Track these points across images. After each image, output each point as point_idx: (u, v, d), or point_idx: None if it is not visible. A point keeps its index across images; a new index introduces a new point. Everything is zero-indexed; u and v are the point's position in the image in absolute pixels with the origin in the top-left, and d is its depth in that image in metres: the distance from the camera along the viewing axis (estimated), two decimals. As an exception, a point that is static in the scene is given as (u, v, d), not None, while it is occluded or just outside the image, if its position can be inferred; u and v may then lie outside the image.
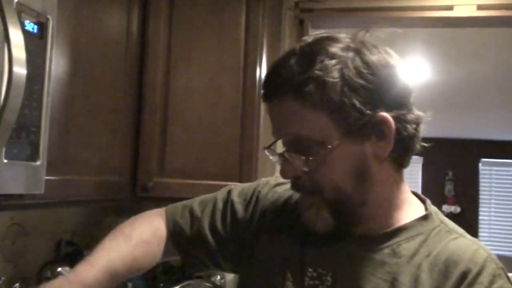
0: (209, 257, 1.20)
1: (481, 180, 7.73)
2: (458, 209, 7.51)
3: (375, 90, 0.92)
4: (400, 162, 1.00)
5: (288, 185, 1.17)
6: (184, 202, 1.25)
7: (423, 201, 1.06)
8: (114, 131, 1.79)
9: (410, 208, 1.02)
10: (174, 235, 1.19)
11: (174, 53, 2.02)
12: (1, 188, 1.04)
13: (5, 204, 1.19)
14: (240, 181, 1.94)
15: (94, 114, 1.63)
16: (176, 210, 1.23)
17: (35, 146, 1.13)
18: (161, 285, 2.16)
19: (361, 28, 0.98)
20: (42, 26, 1.11)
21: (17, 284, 1.50)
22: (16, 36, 0.94)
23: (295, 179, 0.98)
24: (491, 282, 0.90)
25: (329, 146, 0.92)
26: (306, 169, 0.95)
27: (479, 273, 0.90)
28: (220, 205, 1.20)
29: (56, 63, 1.26)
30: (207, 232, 1.18)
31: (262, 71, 2.00)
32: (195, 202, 1.24)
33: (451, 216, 7.08)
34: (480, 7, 2.28)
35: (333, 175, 0.95)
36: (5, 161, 1.03)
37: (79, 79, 1.52)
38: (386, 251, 0.96)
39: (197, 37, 2.01)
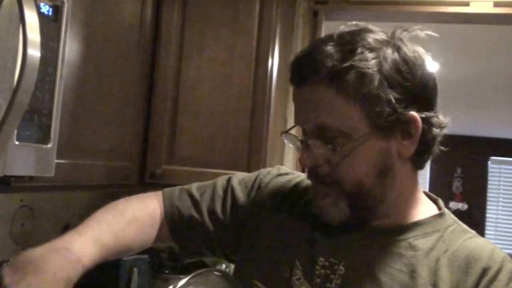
0: (205, 242, 1.17)
1: (489, 178, 7.71)
2: (466, 206, 7.49)
3: (410, 88, 0.92)
4: (418, 163, 1.01)
5: (290, 176, 1.17)
6: (181, 186, 1.22)
7: (434, 201, 1.07)
8: (125, 117, 1.79)
9: (425, 207, 1.03)
10: (171, 217, 1.16)
11: (186, 41, 2.02)
12: (12, 169, 1.04)
13: (15, 186, 1.19)
14: (248, 171, 1.93)
15: (105, 99, 1.64)
16: (174, 193, 1.20)
17: (46, 129, 1.14)
18: (166, 271, 2.18)
19: (399, 26, 0.97)
20: (57, 9, 1.12)
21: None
22: (32, 18, 0.94)
23: (315, 168, 0.97)
24: (510, 279, 0.92)
25: (356, 140, 0.92)
26: (329, 159, 0.94)
27: (498, 271, 0.92)
28: (219, 191, 1.18)
29: (69, 47, 1.26)
30: (206, 216, 1.15)
31: (274, 62, 2.00)
32: (192, 187, 1.21)
33: (458, 213, 7.13)
34: (497, 4, 2.26)
35: (356, 168, 0.94)
36: (17, 142, 1.03)
37: (92, 64, 1.52)
38: (403, 244, 0.96)
39: (210, 26, 2.01)
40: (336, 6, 2.38)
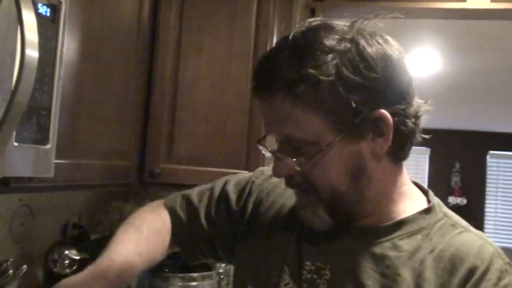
0: (207, 247, 1.18)
1: (488, 172, 7.72)
2: (464, 201, 7.50)
3: (372, 87, 0.87)
4: (398, 156, 0.96)
5: None
6: (184, 192, 1.23)
7: (425, 193, 1.02)
8: (123, 116, 1.79)
9: (411, 201, 0.99)
10: (174, 226, 1.18)
11: (184, 40, 2.02)
12: (11, 170, 1.04)
13: (14, 186, 1.19)
14: (247, 169, 1.95)
15: (104, 99, 1.64)
16: (176, 200, 1.21)
17: (45, 130, 1.14)
18: (166, 270, 2.18)
19: (360, 17, 0.92)
20: (54, 10, 1.11)
21: (24, 266, 1.51)
22: (29, 19, 0.93)
23: (289, 177, 0.95)
24: (499, 278, 0.88)
25: (324, 147, 0.88)
26: (299, 169, 0.91)
27: (486, 270, 0.88)
28: (216, 194, 1.18)
29: (67, 47, 1.25)
30: (203, 221, 1.16)
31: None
32: (194, 192, 1.22)
33: (457, 207, 7.14)
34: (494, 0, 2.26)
35: (327, 176, 0.91)
36: (16, 144, 1.03)
37: (90, 64, 1.52)
38: (387, 244, 0.93)
39: (208, 24, 2.01)
40: (333, 3, 2.38)
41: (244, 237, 1.11)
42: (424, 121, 0.96)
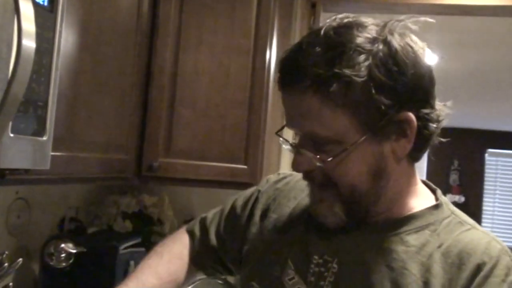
0: (217, 263, 1.23)
1: (486, 170, 7.73)
2: (462, 199, 7.52)
3: (401, 90, 0.87)
4: (415, 157, 0.98)
5: (288, 179, 1.17)
6: (202, 215, 1.28)
7: (433, 191, 1.04)
8: (121, 109, 1.78)
9: (420, 199, 1.00)
10: (190, 246, 1.24)
11: (184, 33, 2.00)
12: (6, 162, 1.03)
13: (10, 178, 1.18)
14: (246, 164, 1.94)
15: (102, 92, 1.62)
16: (195, 223, 1.27)
17: (42, 121, 1.12)
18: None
19: (391, 18, 0.93)
20: None
21: (20, 259, 1.50)
22: (26, 8, 0.92)
23: (308, 172, 0.95)
24: (507, 274, 0.89)
25: (348, 147, 0.89)
26: (320, 165, 0.91)
27: (494, 266, 0.89)
28: (226, 212, 1.22)
29: (65, 38, 1.24)
30: (213, 237, 1.21)
31: (272, 54, 1.99)
32: (210, 213, 1.27)
33: (455, 205, 7.14)
34: (495, -4, 2.25)
35: (349, 174, 0.91)
36: (12, 135, 1.02)
37: (88, 56, 1.51)
38: (394, 238, 0.94)
39: (207, 18, 1.99)
40: (335, -3, 2.37)
41: (250, 241, 1.12)
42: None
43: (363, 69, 0.85)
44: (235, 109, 1.97)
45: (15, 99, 0.92)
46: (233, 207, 1.21)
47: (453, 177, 7.67)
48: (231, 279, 1.27)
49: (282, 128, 1.01)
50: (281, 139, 1.00)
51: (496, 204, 7.78)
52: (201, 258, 1.23)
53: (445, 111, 0.96)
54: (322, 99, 0.87)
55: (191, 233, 1.25)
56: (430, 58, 0.93)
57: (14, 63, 0.90)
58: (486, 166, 7.74)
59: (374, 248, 0.95)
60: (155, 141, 1.99)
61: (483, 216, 7.69)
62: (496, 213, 7.76)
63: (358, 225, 0.97)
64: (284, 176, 1.19)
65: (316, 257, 0.98)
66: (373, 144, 0.90)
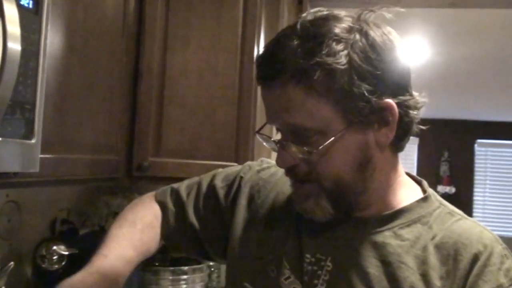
0: (194, 243, 1.18)
1: (476, 161, 7.77)
2: (453, 190, 7.55)
3: (381, 76, 0.88)
4: (398, 146, 0.97)
5: (272, 170, 1.15)
6: (173, 185, 1.24)
7: (418, 183, 1.04)
8: (110, 109, 1.77)
9: (407, 190, 1.00)
10: (163, 219, 1.19)
11: (171, 32, 2.00)
12: (-5, 166, 1.03)
13: (0, 182, 1.18)
14: (236, 161, 1.94)
15: (90, 92, 1.62)
16: (165, 194, 1.22)
17: (30, 124, 1.12)
18: (156, 263, 2.17)
19: (364, 8, 0.93)
20: (37, 1, 1.09)
21: (12, 263, 1.49)
22: (11, 11, 0.92)
23: (292, 167, 0.94)
24: (502, 263, 0.91)
25: (332, 137, 0.88)
26: (305, 158, 0.91)
27: (490, 255, 0.90)
28: (203, 189, 1.18)
29: (52, 40, 1.24)
30: (192, 218, 1.16)
31: (260, 51, 1.98)
32: (182, 186, 1.22)
33: (446, 196, 7.17)
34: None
35: (334, 165, 0.91)
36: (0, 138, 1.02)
37: (75, 57, 1.50)
38: (387, 233, 0.94)
39: (194, 16, 1.99)
40: (321, -7, 2.37)
41: (235, 234, 1.10)
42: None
43: (343, 57, 0.86)
44: (224, 107, 1.97)
45: (1, 102, 0.92)
46: (212, 187, 1.17)
47: (443, 168, 7.71)
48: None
49: (263, 126, 1.00)
50: (262, 137, 0.99)
51: (487, 194, 7.82)
52: (177, 236, 1.18)
53: (421, 99, 0.96)
54: (305, 89, 0.87)
55: (162, 205, 1.20)
56: (402, 44, 0.94)
57: (0, 66, 0.89)
58: (476, 157, 7.78)
59: (368, 244, 0.94)
60: (144, 141, 1.98)
61: (474, 206, 7.74)
62: (487, 203, 7.80)
63: (348, 219, 0.97)
64: (268, 166, 1.17)
65: (308, 255, 0.97)
66: (357, 133, 0.90)
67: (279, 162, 0.94)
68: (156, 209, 1.20)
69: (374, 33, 0.89)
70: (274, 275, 0.99)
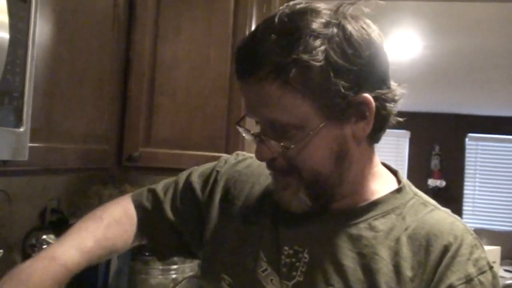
0: (173, 239, 1.19)
1: (467, 154, 7.80)
2: (444, 183, 7.58)
3: (358, 72, 0.88)
4: (374, 138, 0.98)
5: (249, 161, 1.17)
6: (149, 186, 1.24)
7: (394, 173, 1.06)
8: (100, 99, 1.77)
9: (383, 181, 1.02)
10: (139, 217, 1.19)
11: (162, 22, 2.00)
12: (-16, 154, 1.03)
13: (-12, 171, 1.18)
14: (227, 152, 1.94)
15: (80, 82, 1.61)
16: (142, 194, 1.22)
17: (18, 113, 1.12)
18: (146, 254, 2.17)
19: (342, 1, 0.93)
20: (26, -10, 1.09)
21: (1, 251, 1.49)
22: (-1, -1, 0.91)
23: (271, 160, 0.95)
24: (471, 253, 0.92)
25: (310, 132, 0.90)
26: (283, 153, 0.92)
27: (459, 246, 0.92)
28: (180, 186, 1.19)
29: (41, 29, 1.23)
30: (169, 212, 1.17)
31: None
32: (159, 186, 1.23)
33: (436, 190, 7.22)
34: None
35: (312, 159, 0.92)
36: (-12, 127, 1.02)
37: (65, 46, 1.50)
38: (362, 225, 0.96)
39: (186, 6, 1.99)
40: (313, -16, 2.37)
41: (213, 226, 1.11)
42: (404, 104, 0.98)
43: (320, 53, 0.86)
44: (215, 97, 1.97)
45: (-11, 90, 0.91)
46: (188, 182, 1.19)
47: (434, 162, 7.73)
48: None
49: (242, 118, 1.01)
50: (240, 129, 1.00)
51: (477, 188, 7.86)
52: (156, 232, 1.19)
53: (400, 91, 0.96)
54: (282, 85, 0.87)
55: (138, 203, 1.20)
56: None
57: (-12, 54, 0.89)
58: (467, 151, 7.81)
59: (344, 236, 0.96)
60: (135, 131, 1.98)
61: (464, 200, 7.78)
62: (476, 197, 7.84)
63: (324, 211, 0.98)
64: (244, 158, 1.19)
65: (286, 248, 0.98)
66: (334, 128, 0.91)
67: (258, 156, 0.95)
68: (128, 208, 1.20)
69: (352, 27, 0.89)
70: (251, 267, 1.00)
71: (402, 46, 4.12)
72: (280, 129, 0.91)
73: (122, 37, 1.92)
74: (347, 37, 0.88)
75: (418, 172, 7.27)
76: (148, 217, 1.19)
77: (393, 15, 3.21)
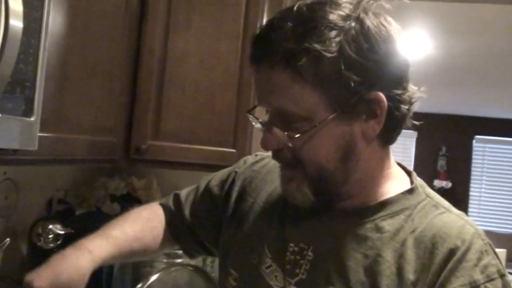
0: (196, 243, 1.23)
1: (473, 156, 7.78)
2: (450, 185, 7.57)
3: (373, 68, 0.87)
4: (387, 139, 0.96)
5: (266, 160, 1.17)
6: (176, 192, 1.29)
7: (409, 174, 1.02)
8: (110, 91, 1.78)
9: (394, 182, 0.99)
10: (167, 220, 1.24)
11: (173, 16, 1.99)
12: (-6, 142, 1.03)
13: (-3, 158, 1.18)
14: (234, 148, 1.95)
15: (90, 73, 1.62)
16: (168, 198, 1.28)
17: (29, 102, 1.12)
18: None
19: None
20: (40, -21, 1.09)
21: (7, 239, 1.50)
22: (13, -12, 0.92)
23: (277, 151, 0.94)
24: (479, 259, 0.88)
25: (317, 124, 0.88)
26: (289, 144, 0.91)
27: (467, 250, 0.88)
28: (201, 190, 1.22)
29: (53, 18, 1.23)
30: (188, 216, 1.21)
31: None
32: (183, 191, 1.27)
33: (442, 191, 7.20)
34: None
35: (317, 153, 0.90)
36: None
37: (77, 37, 1.50)
38: (369, 225, 0.94)
39: (197, 1, 1.99)
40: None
41: (228, 223, 1.12)
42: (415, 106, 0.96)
43: (333, 44, 0.84)
44: (224, 92, 1.97)
45: (2, 79, 0.92)
46: (208, 186, 1.21)
47: (441, 163, 7.72)
48: (191, 261, 1.28)
49: (254, 107, 1.00)
50: (250, 117, 0.99)
51: (483, 190, 7.84)
52: (179, 233, 1.23)
53: (418, 94, 0.95)
54: (292, 74, 0.86)
55: (164, 205, 1.26)
56: (401, 37, 0.92)
57: (1, 42, 0.90)
58: (474, 152, 7.79)
59: (349, 235, 0.94)
60: (143, 124, 1.99)
61: (470, 202, 7.76)
62: (482, 199, 7.83)
63: (332, 209, 0.97)
64: (261, 158, 1.19)
65: (292, 244, 0.97)
66: (342, 123, 0.89)
67: (263, 144, 0.94)
68: (157, 208, 1.26)
69: (370, 22, 0.87)
70: (255, 263, 1.00)
71: (412, 45, 4.11)
72: (287, 119, 0.90)
73: (133, 30, 1.92)
74: (364, 32, 0.86)
75: (424, 173, 7.24)
76: (173, 218, 1.23)
77: (404, 15, 3.18)
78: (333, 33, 0.85)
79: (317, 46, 0.84)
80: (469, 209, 7.67)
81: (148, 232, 1.18)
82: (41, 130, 1.19)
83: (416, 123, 0.97)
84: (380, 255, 0.91)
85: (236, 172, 1.18)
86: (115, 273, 2.03)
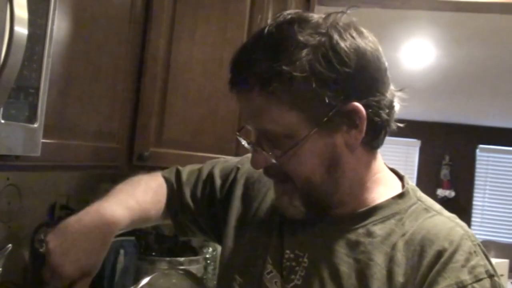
0: (193, 224, 1.24)
1: (477, 166, 7.75)
2: (453, 194, 7.54)
3: (346, 81, 0.88)
4: (372, 145, 0.98)
5: None
6: (179, 167, 1.29)
7: (401, 178, 1.04)
8: (113, 98, 1.78)
9: (385, 187, 1.00)
10: (168, 195, 1.23)
11: (177, 23, 2.00)
12: (-2, 148, 1.03)
13: (1, 164, 1.18)
14: (236, 155, 1.94)
15: (94, 80, 1.62)
16: (171, 172, 1.28)
17: (33, 108, 1.13)
18: (153, 253, 2.18)
19: (335, 10, 0.93)
20: (45, -13, 1.10)
21: (10, 245, 1.50)
22: (19, -5, 0.92)
23: (266, 169, 0.97)
24: (467, 260, 0.89)
25: (298, 141, 0.90)
26: (275, 161, 0.93)
27: (454, 252, 0.89)
28: (203, 176, 1.23)
29: (58, 25, 1.24)
30: (188, 199, 1.22)
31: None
32: (185, 169, 1.27)
33: (445, 200, 7.17)
34: (489, -7, 2.26)
35: (303, 167, 0.93)
36: (3, 121, 1.02)
37: (81, 43, 1.51)
38: (361, 231, 0.96)
39: (202, 7, 2.00)
40: (329, -10, 2.37)
41: (231, 227, 1.13)
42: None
43: (304, 63, 0.86)
44: (226, 100, 1.97)
45: (6, 85, 0.92)
46: (211, 174, 1.22)
47: (444, 172, 7.69)
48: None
49: (242, 127, 1.05)
50: (239, 138, 1.02)
51: (486, 200, 7.81)
52: (177, 211, 1.24)
53: (398, 97, 0.96)
54: (268, 96, 0.88)
55: (167, 181, 1.25)
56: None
57: (6, 49, 0.90)
58: (477, 162, 7.76)
59: (342, 241, 0.96)
60: (146, 131, 1.99)
61: (473, 211, 7.73)
62: (486, 208, 7.79)
63: (324, 217, 0.99)
64: None
65: (288, 251, 1.00)
66: (324, 137, 0.91)
67: (252, 163, 0.98)
68: (161, 181, 1.25)
69: (340, 36, 0.89)
70: (259, 270, 1.02)
71: (415, 54, 4.11)
72: (271, 137, 0.93)
73: (138, 37, 1.93)
74: (333, 46, 0.88)
75: (427, 182, 7.23)
76: (172, 195, 1.24)
77: (407, 24, 3.21)
78: (303, 52, 0.87)
79: (287, 68, 0.86)
80: (472, 219, 7.64)
81: (154, 205, 1.19)
82: (44, 136, 1.20)
83: (401, 125, 0.98)
84: (372, 259, 0.93)
85: (238, 168, 1.20)
86: (116, 279, 2.03)
